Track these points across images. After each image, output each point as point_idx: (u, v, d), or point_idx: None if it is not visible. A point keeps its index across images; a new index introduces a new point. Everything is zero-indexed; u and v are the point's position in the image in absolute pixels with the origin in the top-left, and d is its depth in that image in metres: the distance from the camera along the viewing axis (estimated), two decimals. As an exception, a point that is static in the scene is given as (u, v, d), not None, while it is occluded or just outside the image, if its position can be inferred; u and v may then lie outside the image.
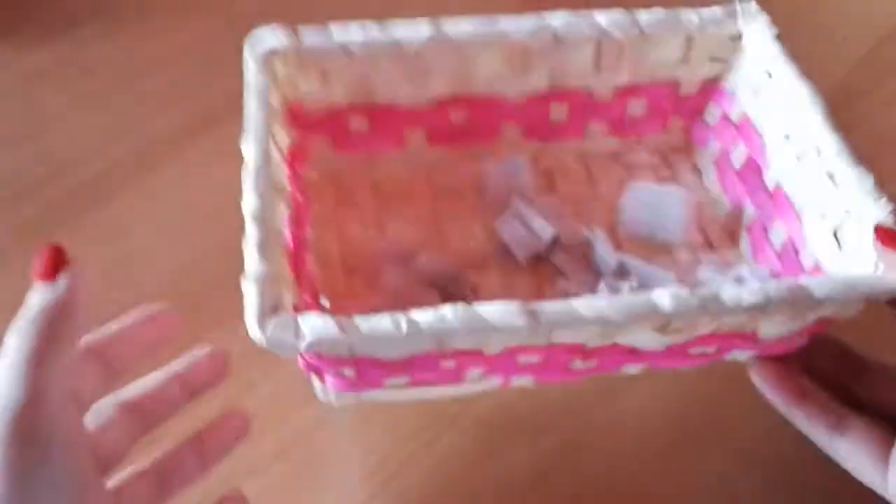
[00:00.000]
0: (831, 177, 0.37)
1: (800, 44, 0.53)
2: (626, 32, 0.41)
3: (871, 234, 0.33)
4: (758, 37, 0.42)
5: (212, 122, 0.52)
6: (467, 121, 0.44)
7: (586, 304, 0.31)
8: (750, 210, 0.43)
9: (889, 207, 0.34)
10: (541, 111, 0.45)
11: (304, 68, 0.40)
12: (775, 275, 0.40)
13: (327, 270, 0.41)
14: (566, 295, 0.39)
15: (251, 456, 0.37)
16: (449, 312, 0.30)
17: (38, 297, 0.28)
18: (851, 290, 0.32)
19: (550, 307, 0.31)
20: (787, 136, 0.40)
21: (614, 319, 0.31)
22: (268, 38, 0.39)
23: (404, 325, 0.30)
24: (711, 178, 0.46)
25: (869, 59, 0.56)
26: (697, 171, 0.47)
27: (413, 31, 0.40)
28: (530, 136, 0.46)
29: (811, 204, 0.38)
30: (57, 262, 0.29)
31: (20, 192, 0.49)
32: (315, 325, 0.29)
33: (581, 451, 0.40)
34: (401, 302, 0.37)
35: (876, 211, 0.34)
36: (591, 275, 0.40)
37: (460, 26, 0.40)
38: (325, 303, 0.39)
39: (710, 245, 0.43)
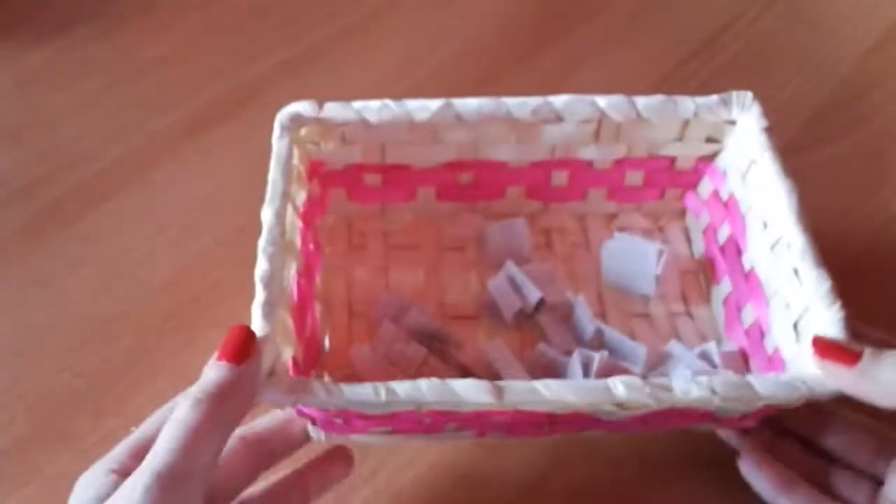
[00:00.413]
0: (796, 272, 0.40)
1: (804, 41, 0.55)
2: (624, 115, 0.44)
3: (810, 344, 0.36)
4: (750, 125, 0.44)
5: (210, 121, 0.53)
6: (474, 181, 0.48)
7: (547, 387, 0.34)
8: (728, 285, 0.46)
9: (840, 314, 0.37)
10: (543, 176, 0.48)
11: (325, 133, 0.44)
12: (742, 352, 0.44)
13: (333, 312, 0.45)
14: (544, 356, 0.43)
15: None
16: (424, 385, 0.34)
17: (217, 374, 0.32)
18: (793, 391, 0.35)
19: (515, 387, 0.34)
20: (765, 224, 0.43)
21: (572, 402, 0.35)
22: (295, 106, 0.43)
23: (383, 394, 0.34)
24: (700, 247, 0.49)
25: (873, 55, 0.57)
26: (689, 238, 0.50)
27: (424, 105, 0.44)
28: (532, 197, 0.49)
29: (779, 293, 0.42)
30: (247, 348, 0.32)
31: (19, 191, 0.50)
32: (304, 389, 0.33)
33: (582, 451, 0.42)
34: (391, 353, 0.42)
35: (829, 314, 0.37)
36: (571, 337, 0.44)
37: (469, 103, 0.44)
38: (327, 342, 0.44)
39: (688, 313, 0.47)
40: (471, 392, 0.34)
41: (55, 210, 0.49)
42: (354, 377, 0.40)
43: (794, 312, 0.40)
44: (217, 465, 0.32)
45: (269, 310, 0.36)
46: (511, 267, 0.45)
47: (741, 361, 0.43)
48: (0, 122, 0.52)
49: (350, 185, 0.48)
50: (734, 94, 0.45)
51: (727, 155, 0.47)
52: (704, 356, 0.43)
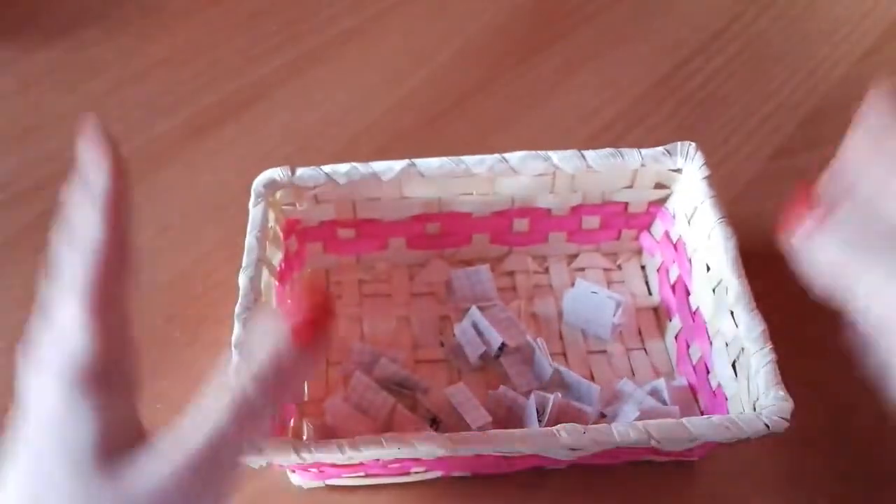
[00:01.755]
0: (733, 315, 0.43)
1: (800, 43, 0.56)
2: (575, 168, 0.48)
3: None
4: (693, 173, 0.47)
5: (214, 123, 0.54)
6: (441, 231, 0.51)
7: (497, 436, 0.38)
8: (678, 322, 0.49)
9: (770, 357, 0.40)
10: (505, 224, 0.52)
11: (299, 195, 0.48)
12: (691, 387, 0.47)
13: (312, 362, 0.49)
14: (505, 398, 0.46)
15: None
16: (383, 441, 0.38)
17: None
18: (724, 431, 0.38)
19: (468, 437, 0.38)
20: (708, 267, 0.46)
21: (522, 449, 0.38)
22: (269, 173, 0.47)
23: (347, 450, 0.37)
24: (655, 284, 0.52)
25: (868, 58, 0.59)
26: (645, 275, 0.53)
27: (389, 167, 0.47)
28: (496, 242, 0.53)
29: (720, 332, 0.45)
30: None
31: (25, 192, 0.51)
32: (275, 449, 0.37)
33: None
34: (363, 402, 0.45)
35: (760, 356, 0.40)
36: (531, 377, 0.48)
37: (430, 163, 0.47)
38: (306, 391, 0.47)
39: (644, 348, 0.50)
40: (426, 445, 0.38)
41: (60, 211, 0.50)
42: (329, 427, 0.44)
43: (732, 352, 0.43)
44: None
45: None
46: (475, 313, 0.49)
47: (690, 396, 0.47)
48: (6, 123, 0.54)
49: (326, 239, 0.51)
50: (678, 144, 0.48)
51: (675, 199, 0.50)
52: (655, 393, 0.46)
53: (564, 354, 0.50)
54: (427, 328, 0.50)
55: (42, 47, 0.58)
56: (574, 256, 0.54)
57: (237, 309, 0.42)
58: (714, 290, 0.45)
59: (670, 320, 0.50)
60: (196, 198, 0.52)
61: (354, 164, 0.48)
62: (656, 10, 0.62)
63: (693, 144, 0.48)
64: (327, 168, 0.47)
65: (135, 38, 0.59)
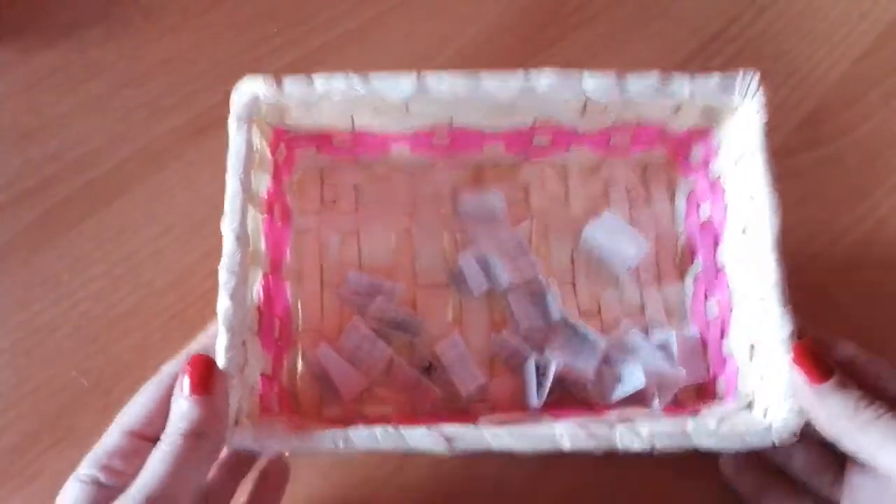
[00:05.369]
0: (762, 300, 0.39)
1: (797, 45, 0.56)
2: (610, 98, 0.41)
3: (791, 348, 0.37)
4: (750, 115, 0.41)
5: (216, 123, 0.51)
6: (450, 144, 0.45)
7: (495, 438, 0.37)
8: (699, 266, 0.45)
9: (794, 363, 0.38)
10: (524, 139, 0.45)
11: (288, 110, 0.41)
12: (703, 341, 0.45)
13: (305, 287, 0.46)
14: (506, 345, 0.44)
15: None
16: (379, 434, 0.36)
17: (191, 408, 0.34)
18: (730, 442, 0.37)
19: (466, 435, 0.37)
20: (744, 230, 0.41)
21: (520, 451, 0.37)
22: (249, 85, 0.40)
23: (341, 444, 0.36)
24: (681, 212, 0.47)
25: (865, 59, 0.57)
26: (672, 198, 0.48)
27: (395, 84, 0.40)
28: (512, 151, 0.47)
29: (743, 302, 0.41)
30: (212, 379, 0.35)
31: (27, 192, 0.51)
32: (268, 436, 0.36)
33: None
34: (359, 352, 0.43)
35: (782, 363, 0.38)
36: (538, 319, 0.45)
37: (443, 81, 0.40)
38: (300, 318, 0.45)
39: (659, 284, 0.47)
40: (424, 441, 0.36)
41: (62, 210, 0.51)
42: (322, 376, 0.43)
43: (753, 333, 0.40)
44: (204, 486, 0.36)
45: (232, 351, 0.37)
46: (482, 246, 0.45)
47: (700, 351, 0.45)
48: (8, 123, 0.53)
49: (320, 143, 0.45)
50: (739, 74, 0.41)
51: (723, 132, 0.43)
52: (664, 348, 0.44)
53: (574, 284, 0.47)
54: (430, 247, 0.46)
55: (43, 48, 0.55)
56: (596, 169, 0.48)
57: (222, 275, 0.38)
58: (745, 264, 0.41)
59: (692, 262, 0.46)
60: (197, 198, 0.51)
61: (353, 76, 0.40)
62: (655, 13, 0.57)
63: (757, 74, 0.41)
64: (320, 80, 0.40)
65: (136, 39, 0.56)
